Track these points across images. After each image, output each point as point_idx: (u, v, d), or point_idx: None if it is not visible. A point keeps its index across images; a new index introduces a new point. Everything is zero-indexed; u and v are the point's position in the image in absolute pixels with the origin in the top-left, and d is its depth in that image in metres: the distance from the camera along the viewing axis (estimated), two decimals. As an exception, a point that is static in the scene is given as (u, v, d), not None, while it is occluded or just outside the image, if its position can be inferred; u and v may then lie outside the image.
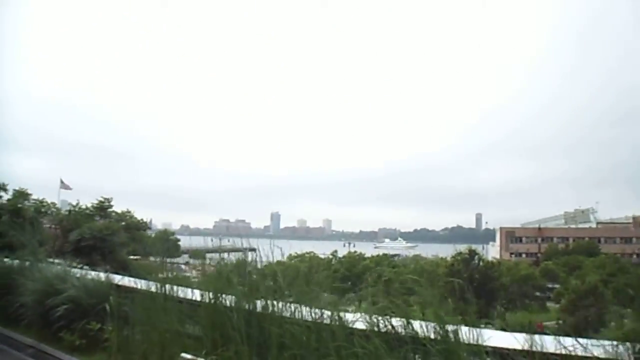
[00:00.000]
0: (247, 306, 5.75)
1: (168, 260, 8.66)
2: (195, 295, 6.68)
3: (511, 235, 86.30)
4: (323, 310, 5.23)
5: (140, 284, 7.34)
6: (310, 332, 5.15)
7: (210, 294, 6.14)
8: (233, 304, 5.83)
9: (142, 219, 25.16)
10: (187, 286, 7.17)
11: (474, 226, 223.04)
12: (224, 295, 6.02)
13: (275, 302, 5.61)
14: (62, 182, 24.24)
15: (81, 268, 9.76)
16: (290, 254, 6.99)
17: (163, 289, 6.96)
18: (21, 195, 24.15)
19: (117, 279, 8.41)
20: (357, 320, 5.15)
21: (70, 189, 22.70)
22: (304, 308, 5.39)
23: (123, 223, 23.96)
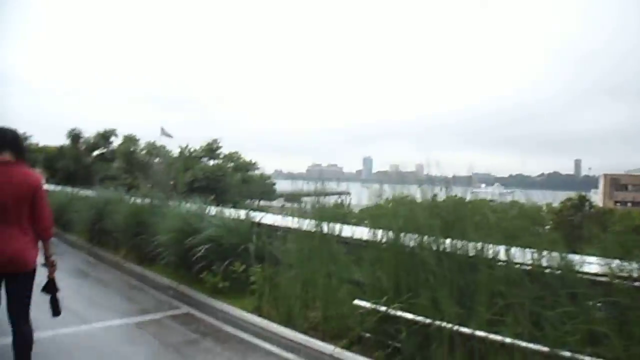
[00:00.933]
0: (440, 246, 4.97)
1: (263, 203, 8.67)
2: (361, 234, 6.02)
3: (616, 183, 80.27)
4: (544, 252, 4.35)
5: (289, 222, 6.78)
6: (529, 276, 4.33)
7: (390, 232, 5.40)
8: (423, 243, 5.08)
9: (251, 160, 25.21)
10: (349, 223, 6.55)
11: (572, 172, 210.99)
12: (406, 235, 5.28)
13: (477, 243, 4.79)
14: (162, 130, 24.56)
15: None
16: (388, 197, 6.28)
17: (319, 226, 6.36)
18: (130, 140, 25.54)
19: (259, 216, 7.93)
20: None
21: (171, 136, 22.94)
22: (514, 249, 4.55)
23: (232, 164, 24.18)
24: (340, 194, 7.98)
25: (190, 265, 7.74)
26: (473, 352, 4.44)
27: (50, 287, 4.27)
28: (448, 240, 4.93)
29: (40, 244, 4.11)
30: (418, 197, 5.83)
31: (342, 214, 7.55)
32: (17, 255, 3.82)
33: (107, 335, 5.72)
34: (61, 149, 26.29)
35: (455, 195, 5.85)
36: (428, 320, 4.71)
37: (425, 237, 5.04)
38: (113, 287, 7.95)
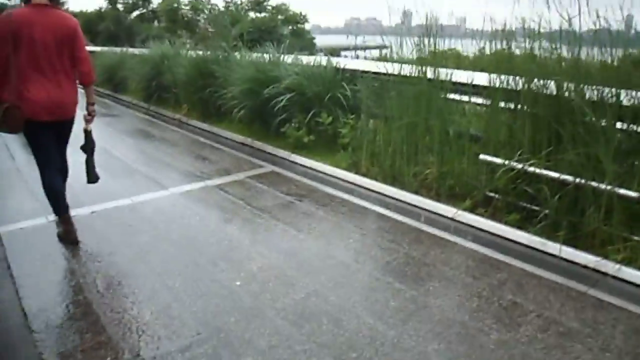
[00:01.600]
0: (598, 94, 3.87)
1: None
2: (479, 79, 4.87)
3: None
4: None
5: (387, 67, 5.66)
6: None
7: (521, 79, 4.30)
8: (578, 90, 3.98)
9: (300, 12, 24.06)
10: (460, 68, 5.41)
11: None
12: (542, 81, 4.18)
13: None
14: None
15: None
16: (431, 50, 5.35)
17: (421, 71, 5.24)
18: None
19: (345, 62, 6.82)
20: None
21: None
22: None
23: (281, 17, 23.09)
24: (380, 47, 7.22)
25: (266, 119, 6.87)
26: (633, 216, 3.67)
27: (88, 142, 4.13)
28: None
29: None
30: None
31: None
32: (63, 101, 3.79)
33: (188, 202, 4.95)
34: (100, 12, 26.36)
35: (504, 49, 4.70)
36: (581, 180, 3.81)
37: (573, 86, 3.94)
38: (182, 147, 7.16)
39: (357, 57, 9.21)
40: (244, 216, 4.57)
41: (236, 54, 8.34)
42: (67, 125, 3.95)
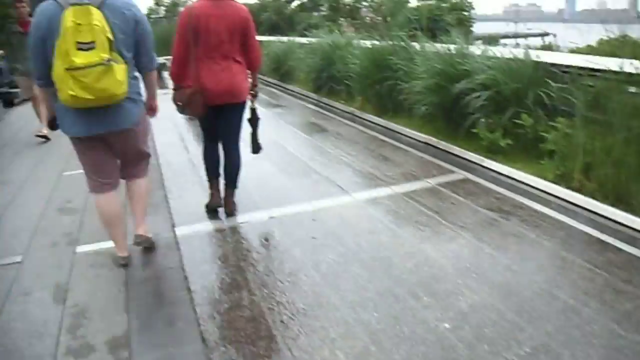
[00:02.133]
0: None
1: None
2: None
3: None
4: None
5: (605, 62, 4.76)
6: None
7: None
8: None
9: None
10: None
11: None
12: None
13: None
14: None
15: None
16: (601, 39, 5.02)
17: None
18: None
19: (550, 56, 5.95)
20: None
21: None
22: None
23: (446, 4, 22.19)
24: (541, 35, 6.24)
25: (453, 117, 6.24)
26: None
27: (253, 117, 4.50)
28: None
29: None
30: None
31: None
32: (233, 86, 4.06)
33: (376, 212, 4.50)
34: (262, 2, 26.87)
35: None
36: None
37: None
38: (360, 145, 6.74)
39: (518, 45, 8.44)
40: (442, 234, 4.02)
41: (414, 44, 7.77)
42: (237, 109, 4.23)
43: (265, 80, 13.52)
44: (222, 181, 4.54)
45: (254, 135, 4.60)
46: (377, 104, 8.04)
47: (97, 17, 2.92)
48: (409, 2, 22.45)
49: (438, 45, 6.98)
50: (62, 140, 7.44)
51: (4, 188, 5.50)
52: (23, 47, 6.90)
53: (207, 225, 4.33)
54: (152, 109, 3.71)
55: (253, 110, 4.47)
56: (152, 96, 3.66)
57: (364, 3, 24.26)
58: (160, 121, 4.79)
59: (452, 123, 6.33)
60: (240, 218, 4.45)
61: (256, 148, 4.66)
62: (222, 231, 4.20)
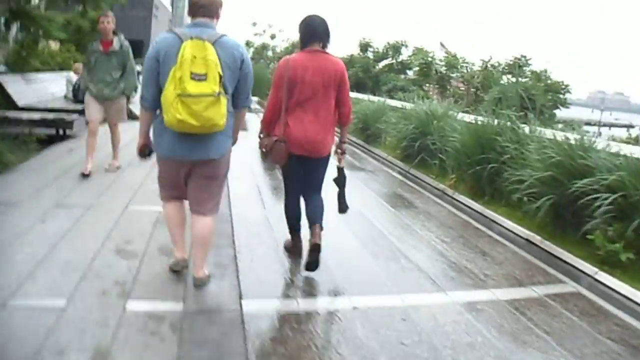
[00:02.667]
0: None
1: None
2: None
3: None
4: None
5: None
6: None
7: None
8: None
9: (562, 81, 22.38)
10: None
11: None
12: None
13: None
14: (442, 44, 24.17)
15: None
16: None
17: None
18: (420, 52, 24.71)
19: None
20: None
21: (449, 51, 22.29)
22: None
23: (541, 84, 21.65)
24: (627, 126, 5.42)
25: (564, 217, 5.58)
26: None
27: (340, 177, 4.53)
28: None
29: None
30: None
31: None
32: (320, 140, 4.09)
33: (476, 320, 3.88)
34: (351, 58, 27.38)
35: None
36: None
37: None
38: (454, 230, 6.15)
39: (600, 134, 8.50)
40: (558, 366, 3.35)
41: (523, 125, 7.21)
42: (321, 162, 4.30)
43: (350, 140, 13.21)
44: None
45: (341, 195, 4.61)
46: (473, 186, 7.46)
47: (211, 52, 3.19)
48: (501, 78, 22.27)
49: (556, 133, 6.36)
50: (134, 171, 7.34)
51: (64, 213, 5.21)
52: (101, 68, 6.72)
53: (279, 304, 3.84)
54: (234, 139, 3.83)
55: (341, 170, 4.53)
56: (237, 130, 3.79)
57: (456, 74, 24.12)
58: (237, 165, 4.62)
59: (561, 222, 5.66)
60: (320, 302, 3.94)
61: (344, 207, 4.65)
62: (296, 316, 3.69)
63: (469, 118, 8.66)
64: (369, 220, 6.07)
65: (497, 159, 6.90)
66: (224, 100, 3.25)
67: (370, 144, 12.25)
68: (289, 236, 4.74)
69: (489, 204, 7.04)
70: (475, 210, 7.00)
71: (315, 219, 4.29)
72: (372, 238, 5.47)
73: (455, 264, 4.97)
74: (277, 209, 5.45)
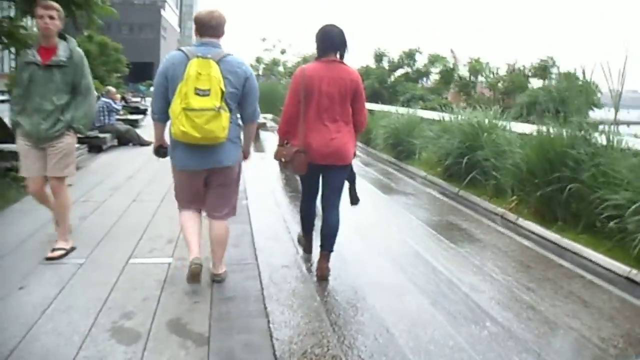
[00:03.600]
0: None
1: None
2: None
3: None
4: None
5: None
6: None
7: None
8: None
9: (593, 81, 21.43)
10: None
11: None
12: None
13: None
14: (452, 51, 23.89)
15: None
16: None
17: None
18: (437, 58, 24.43)
19: None
20: None
21: (459, 61, 22.08)
22: None
23: (563, 85, 20.89)
24: None
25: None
26: None
27: (351, 174, 4.68)
28: None
29: None
30: None
31: None
32: (341, 149, 4.16)
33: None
34: (366, 69, 26.79)
35: None
36: None
37: None
38: (530, 269, 5.04)
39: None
40: None
41: (599, 136, 6.09)
42: (342, 171, 4.36)
43: (379, 157, 12.13)
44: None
45: (352, 189, 4.84)
46: (540, 209, 6.33)
47: (215, 70, 3.48)
48: (529, 81, 21.41)
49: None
50: (139, 209, 6.36)
51: (50, 274, 4.19)
52: (37, 90, 4.32)
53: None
54: (246, 154, 4.07)
55: (350, 167, 4.59)
56: (248, 143, 4.07)
57: (481, 79, 23.13)
58: (258, 194, 5.57)
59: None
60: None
61: (355, 200, 4.91)
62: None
63: (522, 128, 7.55)
64: (429, 263, 4.96)
65: (573, 177, 5.78)
66: (225, 115, 3.51)
67: (403, 160, 11.14)
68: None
69: (563, 231, 5.91)
70: (549, 240, 5.88)
71: (326, 245, 4.45)
72: (440, 290, 4.35)
73: (556, 324, 3.83)
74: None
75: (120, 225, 5.76)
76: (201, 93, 3.43)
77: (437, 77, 26.43)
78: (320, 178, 4.45)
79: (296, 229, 5.53)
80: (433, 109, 15.08)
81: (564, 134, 6.22)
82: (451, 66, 24.51)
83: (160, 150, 4.03)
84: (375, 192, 8.49)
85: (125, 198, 7.03)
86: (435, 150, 9.21)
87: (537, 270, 4.96)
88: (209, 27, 3.72)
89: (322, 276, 4.39)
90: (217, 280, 4.13)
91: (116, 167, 9.65)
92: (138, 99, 30.43)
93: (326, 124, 4.12)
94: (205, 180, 3.90)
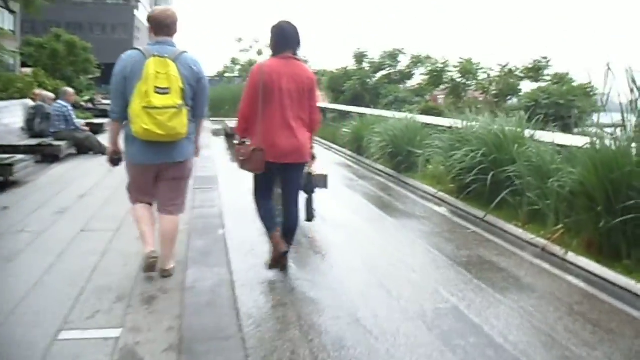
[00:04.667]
0: None
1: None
2: None
3: None
4: None
5: None
6: None
7: None
8: None
9: (589, 83, 20.91)
10: None
11: None
12: None
13: None
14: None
15: None
16: None
17: None
18: (419, 59, 23.64)
19: None
20: None
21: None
22: None
23: (564, 87, 20.03)
24: None
25: None
26: None
27: (309, 184, 5.05)
28: None
29: None
30: None
31: None
32: (300, 146, 4.18)
33: None
34: (346, 70, 26.24)
35: None
36: None
37: None
38: (615, 333, 3.75)
39: None
40: None
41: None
42: (300, 168, 4.43)
43: (373, 168, 10.81)
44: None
45: (309, 203, 5.17)
46: (597, 242, 5.06)
47: (173, 68, 3.68)
48: (519, 84, 20.64)
49: None
50: (84, 246, 5.01)
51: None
52: None
53: None
54: (197, 149, 4.24)
55: (309, 175, 4.95)
56: (198, 138, 4.21)
57: (472, 82, 22.23)
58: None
59: None
60: None
61: (310, 216, 5.21)
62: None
63: (564, 139, 6.32)
64: (481, 331, 3.62)
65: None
66: (185, 112, 3.76)
67: (403, 173, 9.80)
68: (266, 255, 4.68)
69: (631, 272, 4.65)
70: (616, 285, 4.58)
71: (288, 238, 4.45)
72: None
73: None
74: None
75: (56, 270, 4.38)
76: (161, 91, 3.58)
77: (424, 78, 25.48)
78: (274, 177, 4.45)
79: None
80: (437, 114, 13.87)
81: (634, 149, 4.95)
82: (441, 66, 23.48)
83: (114, 159, 4.14)
84: (377, 213, 7.15)
85: (71, 226, 5.66)
86: (445, 162, 7.88)
87: (626, 338, 3.66)
88: (164, 26, 3.86)
89: (283, 252, 4.36)
90: (165, 275, 4.17)
91: (68, 181, 8.24)
92: (109, 102, 28.91)
93: (286, 121, 4.10)
94: (158, 175, 4.03)
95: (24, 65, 28.93)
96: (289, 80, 4.09)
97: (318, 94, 4.38)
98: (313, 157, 4.68)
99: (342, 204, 7.45)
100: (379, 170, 10.47)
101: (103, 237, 5.27)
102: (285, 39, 4.21)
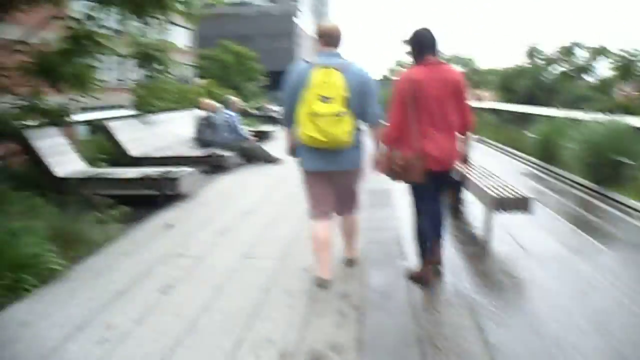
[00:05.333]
0: None
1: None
2: None
3: None
4: None
5: None
6: None
7: None
8: None
9: None
10: None
11: None
12: None
13: None
14: None
15: None
16: None
17: None
18: (601, 52, 23.48)
19: None
20: None
21: None
22: None
23: None
24: None
25: None
26: None
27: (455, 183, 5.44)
28: None
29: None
30: None
31: None
32: (454, 152, 4.14)
33: None
34: (519, 68, 25.41)
35: None
36: None
37: None
38: None
39: None
40: None
41: None
42: (449, 175, 4.32)
43: (569, 180, 9.26)
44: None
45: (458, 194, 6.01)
46: None
47: (337, 78, 3.78)
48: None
49: None
50: (243, 278, 4.39)
51: None
52: None
53: None
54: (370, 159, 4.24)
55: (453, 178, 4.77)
56: (375, 146, 4.18)
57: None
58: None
59: None
60: None
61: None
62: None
63: None
64: None
65: None
66: (347, 119, 3.79)
67: (608, 188, 8.19)
68: (413, 264, 4.57)
69: None
70: None
71: (440, 233, 4.38)
72: None
73: None
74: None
75: (212, 310, 3.76)
76: (325, 100, 3.73)
77: (609, 72, 23.11)
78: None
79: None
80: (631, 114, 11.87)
81: None
82: (633, 57, 21.17)
83: (292, 150, 4.25)
84: (588, 241, 5.70)
85: (232, 251, 5.10)
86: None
87: None
88: (333, 39, 4.00)
89: (427, 283, 4.25)
90: (351, 265, 4.54)
91: (233, 196, 7.84)
92: (277, 108, 29.22)
93: (439, 128, 4.00)
94: (330, 182, 4.14)
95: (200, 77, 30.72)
96: (439, 86, 4.02)
97: (467, 95, 4.21)
98: (466, 161, 4.66)
99: (539, 225, 6.14)
100: (576, 183, 8.90)
101: (266, 266, 4.64)
102: (426, 46, 4.13)
